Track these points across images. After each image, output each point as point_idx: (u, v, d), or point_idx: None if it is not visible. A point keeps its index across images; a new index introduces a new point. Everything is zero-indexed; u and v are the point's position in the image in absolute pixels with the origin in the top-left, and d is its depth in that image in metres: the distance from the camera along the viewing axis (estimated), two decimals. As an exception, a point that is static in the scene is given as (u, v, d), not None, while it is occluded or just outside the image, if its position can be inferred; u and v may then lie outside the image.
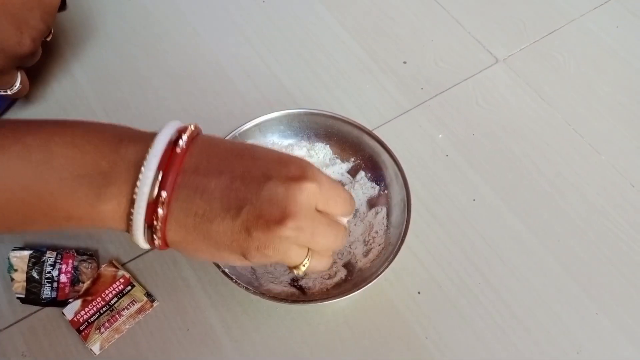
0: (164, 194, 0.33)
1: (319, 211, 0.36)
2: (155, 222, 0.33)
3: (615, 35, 0.66)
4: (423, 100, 0.60)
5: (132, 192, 0.33)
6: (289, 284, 0.46)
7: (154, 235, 0.34)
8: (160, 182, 0.33)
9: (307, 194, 0.34)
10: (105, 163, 0.33)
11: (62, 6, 0.55)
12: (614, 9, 0.68)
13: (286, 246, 0.34)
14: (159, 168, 0.33)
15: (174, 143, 0.34)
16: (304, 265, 0.36)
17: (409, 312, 0.47)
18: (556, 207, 0.53)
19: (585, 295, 0.48)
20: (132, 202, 0.33)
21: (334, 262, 0.48)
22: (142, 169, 0.32)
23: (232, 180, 0.34)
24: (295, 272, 0.37)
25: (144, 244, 0.35)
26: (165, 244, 0.35)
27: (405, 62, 0.63)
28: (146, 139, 0.34)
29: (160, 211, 0.33)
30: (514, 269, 0.49)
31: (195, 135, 0.35)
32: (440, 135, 0.57)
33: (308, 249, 0.36)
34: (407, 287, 0.48)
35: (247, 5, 0.67)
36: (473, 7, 0.68)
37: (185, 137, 0.34)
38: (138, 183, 0.32)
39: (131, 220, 0.33)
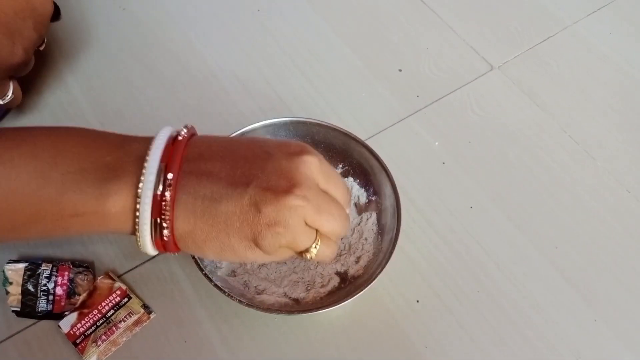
0: (170, 175, 0.33)
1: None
2: (163, 210, 0.33)
3: (609, 41, 0.66)
4: (419, 108, 0.60)
5: (138, 185, 0.33)
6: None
7: (163, 229, 0.33)
8: (166, 169, 0.33)
9: (310, 165, 0.35)
10: (110, 158, 0.34)
11: (56, 16, 0.55)
12: (607, 16, 0.68)
13: (296, 221, 0.34)
14: (163, 158, 0.33)
15: (174, 139, 0.35)
16: (315, 248, 0.36)
17: (407, 321, 0.47)
18: (553, 214, 0.53)
19: (583, 301, 0.48)
20: (138, 196, 0.33)
21: (325, 270, 0.48)
22: (147, 158, 0.33)
23: (236, 161, 0.35)
24: (307, 256, 0.36)
25: (150, 246, 0.35)
26: (174, 240, 0.34)
27: (400, 70, 0.63)
28: (147, 138, 0.35)
29: (167, 194, 0.33)
30: (512, 276, 0.49)
31: (193, 132, 0.37)
32: (436, 143, 0.57)
33: (317, 233, 0.36)
34: (404, 295, 0.48)
35: (241, 14, 0.67)
36: (467, 14, 0.68)
37: (185, 130, 0.36)
38: (143, 171, 0.33)
39: (137, 214, 0.33)
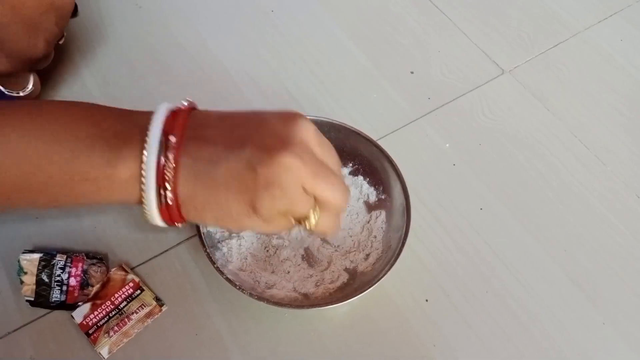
0: (172, 139, 0.34)
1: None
2: (166, 173, 0.34)
3: (619, 48, 0.67)
4: (430, 110, 0.60)
5: (143, 152, 0.34)
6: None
7: (167, 192, 0.34)
8: (168, 134, 0.34)
9: (305, 130, 0.35)
10: (120, 126, 0.35)
11: (74, 12, 0.55)
12: (618, 23, 0.69)
13: (291, 182, 0.34)
14: (165, 126, 0.34)
15: (176, 110, 0.36)
16: (313, 217, 0.36)
17: (416, 320, 0.47)
18: (562, 217, 0.53)
19: (591, 304, 0.49)
20: (142, 162, 0.34)
21: (335, 266, 0.48)
22: (149, 126, 0.34)
23: (232, 127, 0.36)
24: (307, 224, 0.36)
25: (157, 215, 0.35)
26: (178, 206, 0.35)
27: (412, 73, 0.63)
28: (150, 111, 0.36)
29: (170, 157, 0.34)
30: (521, 277, 0.50)
31: (194, 106, 0.38)
32: (447, 145, 0.58)
33: (314, 201, 0.36)
34: (414, 294, 0.49)
35: (255, 14, 0.68)
36: (479, 19, 0.69)
37: (185, 102, 0.37)
38: (146, 138, 0.34)
39: (143, 180, 0.34)
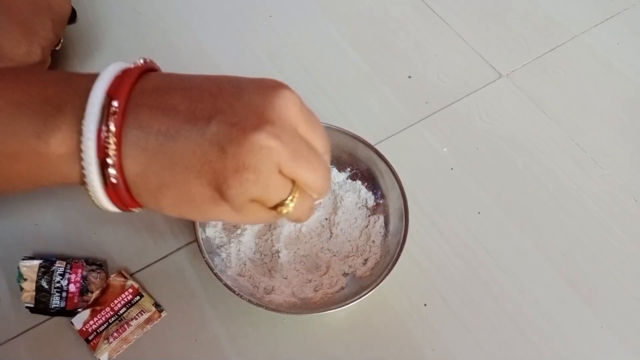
0: (115, 103, 0.28)
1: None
2: (106, 144, 0.28)
3: (616, 52, 0.67)
4: (427, 114, 0.61)
5: (82, 120, 0.28)
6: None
7: (109, 168, 0.28)
8: (113, 93, 0.28)
9: (288, 102, 0.30)
10: (52, 91, 0.29)
11: (72, 19, 0.56)
12: (615, 27, 0.69)
13: (268, 165, 0.28)
14: (110, 89, 0.29)
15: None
16: (290, 203, 0.31)
17: (414, 324, 0.48)
18: (559, 221, 0.54)
19: (589, 308, 0.49)
20: (81, 133, 0.28)
21: (333, 271, 0.48)
22: (92, 87, 0.28)
23: (199, 95, 0.29)
24: (283, 210, 0.31)
25: (103, 196, 0.30)
26: (126, 186, 0.30)
27: (409, 77, 0.64)
28: (97, 73, 0.30)
29: (111, 125, 0.28)
30: (518, 281, 0.50)
31: (153, 67, 0.32)
32: (444, 149, 0.58)
33: (293, 185, 0.31)
34: (412, 299, 0.49)
35: (254, 18, 0.68)
36: (476, 23, 0.69)
37: (140, 61, 0.31)
38: (87, 103, 0.28)
39: (82, 155, 0.28)
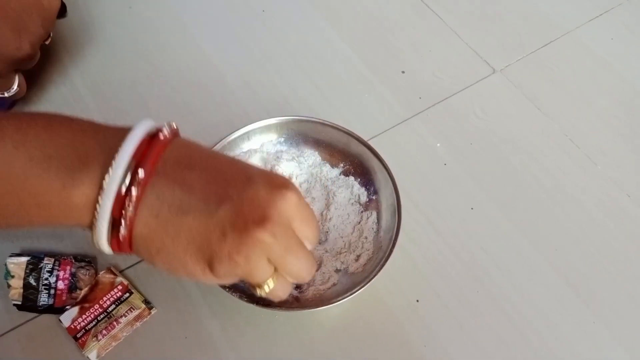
0: (141, 172, 0.31)
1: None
2: (125, 207, 0.31)
3: (610, 47, 0.67)
4: (421, 110, 0.60)
5: (104, 177, 0.30)
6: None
7: (120, 227, 0.31)
8: (137, 165, 0.31)
9: (289, 203, 0.33)
10: (81, 146, 0.32)
11: (63, 13, 0.55)
12: (609, 22, 0.69)
13: (258, 255, 0.32)
14: (136, 153, 0.31)
15: (153, 135, 0.33)
16: (267, 286, 0.34)
17: (407, 320, 0.47)
18: (553, 217, 0.53)
19: (582, 303, 0.49)
20: (101, 187, 0.31)
21: (325, 267, 0.48)
22: (119, 149, 0.31)
23: (214, 177, 0.33)
24: (258, 291, 0.35)
25: (105, 243, 0.32)
26: (130, 242, 0.32)
27: (403, 72, 0.63)
28: (124, 129, 0.33)
29: (133, 191, 0.30)
30: (512, 277, 0.50)
31: (176, 134, 0.34)
32: (438, 144, 0.57)
33: (274, 271, 0.34)
34: (405, 295, 0.48)
35: (247, 14, 0.68)
36: (470, 18, 0.69)
37: (167, 129, 0.33)
38: (112, 163, 0.30)
39: (97, 207, 0.31)
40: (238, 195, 0.32)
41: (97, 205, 0.31)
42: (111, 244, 0.33)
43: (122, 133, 0.32)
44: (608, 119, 0.61)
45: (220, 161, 0.34)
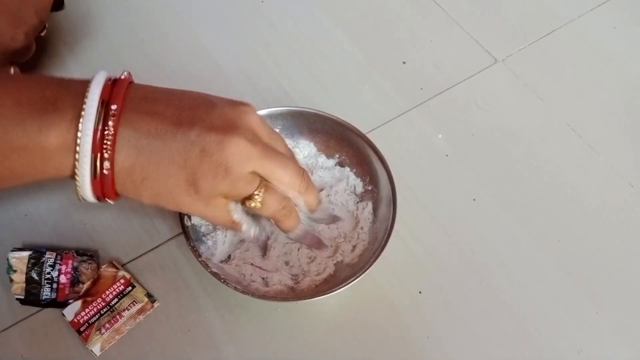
0: (114, 107, 0.33)
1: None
2: (105, 143, 0.33)
3: (612, 36, 0.66)
4: (422, 101, 0.60)
5: (79, 119, 0.32)
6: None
7: (104, 162, 0.33)
8: (108, 102, 0.33)
9: (254, 116, 0.36)
10: (50, 94, 0.33)
11: (60, 5, 0.55)
12: (611, 11, 0.68)
13: (238, 163, 0.34)
14: (103, 94, 0.33)
15: (114, 80, 0.35)
16: (257, 196, 0.37)
17: (409, 312, 0.47)
18: (555, 207, 0.53)
19: (584, 294, 0.49)
20: (78, 129, 0.32)
21: (321, 258, 0.48)
22: (87, 92, 0.33)
23: (181, 106, 0.35)
24: (252, 204, 0.37)
25: (89, 187, 0.34)
26: (113, 178, 0.34)
27: (404, 63, 0.63)
28: (85, 80, 0.35)
29: (110, 124, 0.32)
30: (513, 268, 0.50)
31: (132, 80, 0.37)
32: (439, 136, 0.57)
33: (260, 181, 0.37)
34: (407, 287, 0.48)
35: (245, 6, 0.67)
36: (471, 8, 0.68)
37: (126, 73, 0.36)
38: (84, 105, 0.32)
39: (77, 149, 0.32)
40: (207, 116, 0.35)
41: (77, 147, 0.32)
42: (94, 189, 0.34)
43: (85, 81, 0.34)
44: (610, 108, 0.60)
45: (183, 93, 0.37)
